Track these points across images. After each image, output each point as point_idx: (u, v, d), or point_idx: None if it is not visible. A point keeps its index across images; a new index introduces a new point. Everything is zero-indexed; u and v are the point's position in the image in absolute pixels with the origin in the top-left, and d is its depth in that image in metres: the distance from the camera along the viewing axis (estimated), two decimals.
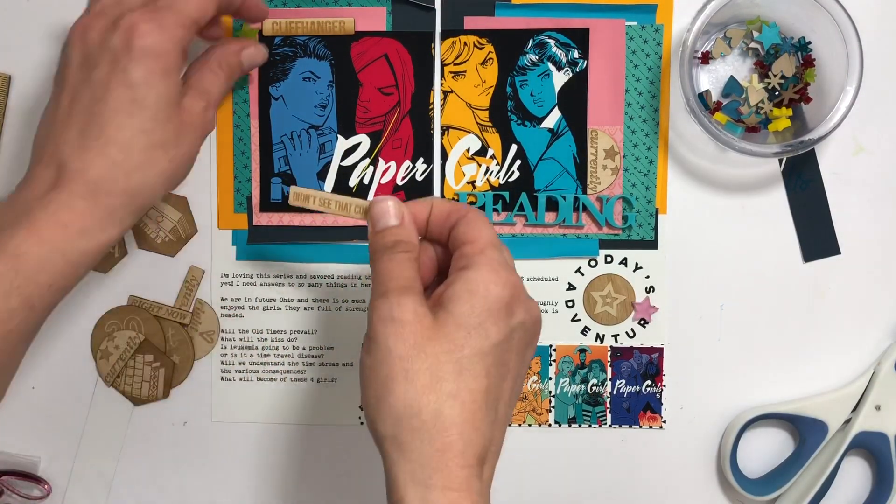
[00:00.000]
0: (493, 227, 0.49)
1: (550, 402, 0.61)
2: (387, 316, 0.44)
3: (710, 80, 0.59)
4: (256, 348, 0.62)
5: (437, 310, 0.45)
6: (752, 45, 0.58)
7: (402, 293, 0.44)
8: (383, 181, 0.60)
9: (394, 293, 0.44)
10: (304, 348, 0.62)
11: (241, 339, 0.62)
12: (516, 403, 0.48)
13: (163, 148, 0.48)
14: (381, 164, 0.60)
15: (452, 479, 0.42)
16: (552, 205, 0.60)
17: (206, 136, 0.52)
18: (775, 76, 0.57)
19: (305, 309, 0.61)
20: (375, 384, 0.44)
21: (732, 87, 0.58)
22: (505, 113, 0.60)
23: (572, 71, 0.60)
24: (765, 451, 0.62)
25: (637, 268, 0.61)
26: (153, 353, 0.61)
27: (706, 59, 0.58)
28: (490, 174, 0.60)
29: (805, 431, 0.60)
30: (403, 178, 0.60)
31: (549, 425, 0.61)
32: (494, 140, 0.60)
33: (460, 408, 0.43)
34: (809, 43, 0.57)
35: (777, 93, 0.58)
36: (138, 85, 0.47)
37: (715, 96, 0.59)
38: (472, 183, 0.60)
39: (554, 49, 0.59)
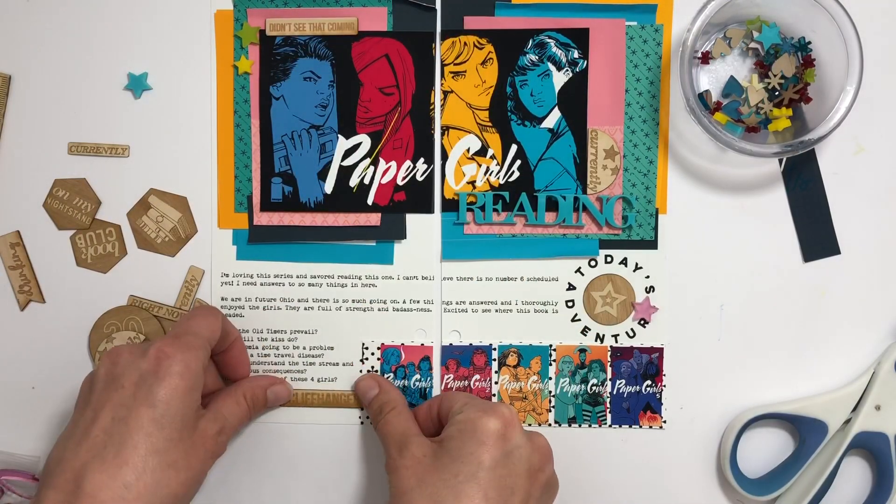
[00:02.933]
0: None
1: (550, 401, 0.61)
2: (392, 466, 0.53)
3: (709, 80, 0.59)
4: (257, 348, 0.62)
5: (438, 448, 0.53)
6: (752, 45, 0.58)
7: (402, 446, 0.54)
8: (384, 181, 0.60)
9: (394, 448, 0.54)
10: (304, 348, 0.62)
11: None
12: None
13: (174, 468, 0.50)
14: (382, 164, 0.60)
15: None
16: (552, 205, 0.60)
17: (215, 460, 0.54)
18: (775, 76, 0.58)
19: (306, 309, 0.61)
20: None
21: (732, 87, 0.58)
22: (505, 113, 0.60)
23: (572, 71, 0.60)
24: (765, 451, 0.62)
25: (637, 268, 0.61)
26: None
27: (706, 59, 0.58)
28: (490, 174, 0.60)
29: (805, 431, 0.60)
30: (404, 178, 0.60)
31: (549, 425, 0.61)
32: (494, 140, 0.60)
33: None
34: (809, 43, 0.57)
35: (777, 93, 0.58)
36: (160, 402, 0.50)
37: (715, 96, 0.59)
38: (472, 183, 0.60)
39: (554, 49, 0.59)
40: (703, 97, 0.58)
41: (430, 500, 0.50)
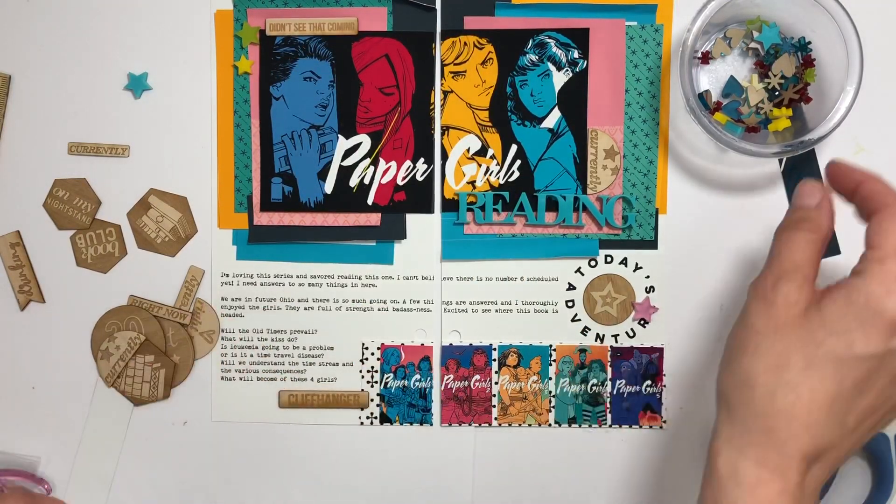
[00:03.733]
0: None
1: (550, 402, 0.61)
2: (760, 293, 0.46)
3: (709, 80, 0.59)
4: (257, 348, 0.62)
5: (812, 305, 0.45)
6: (752, 45, 0.58)
7: (782, 277, 0.45)
8: (384, 181, 0.60)
9: (774, 274, 0.46)
10: (304, 348, 0.62)
11: (241, 339, 0.62)
12: (872, 426, 0.46)
13: None
14: (382, 164, 0.60)
15: (767, 460, 0.43)
16: (552, 205, 0.60)
17: None
18: (775, 76, 0.58)
19: (306, 309, 0.61)
20: (731, 347, 0.46)
21: (732, 87, 0.58)
22: (505, 113, 0.60)
23: (572, 71, 0.60)
24: None
25: (637, 268, 0.61)
26: (153, 353, 0.61)
27: (706, 59, 0.58)
28: (490, 174, 0.60)
29: None
30: (404, 178, 0.60)
31: (550, 425, 0.61)
32: (494, 140, 0.60)
33: (794, 400, 0.43)
34: (809, 43, 0.57)
35: (777, 93, 0.58)
36: None
37: (715, 96, 0.59)
38: (472, 183, 0.60)
39: (554, 49, 0.59)
40: (703, 97, 0.58)
41: (777, 358, 0.44)
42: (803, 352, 0.43)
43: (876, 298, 0.43)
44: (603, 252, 0.61)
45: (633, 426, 0.61)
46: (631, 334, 0.61)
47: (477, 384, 0.61)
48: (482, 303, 0.61)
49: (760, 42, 0.58)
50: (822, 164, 0.60)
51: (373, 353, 0.61)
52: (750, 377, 0.44)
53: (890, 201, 0.45)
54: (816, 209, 0.48)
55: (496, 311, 0.61)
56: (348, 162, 0.60)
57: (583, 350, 0.61)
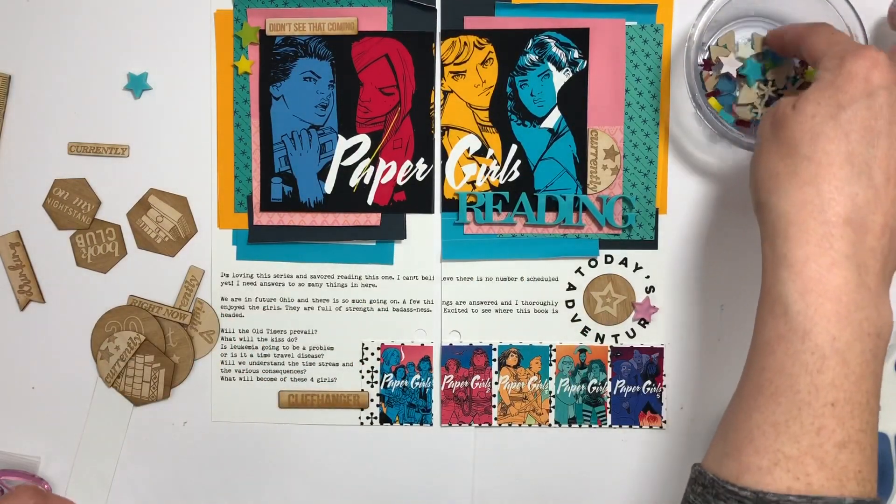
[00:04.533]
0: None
1: (551, 402, 0.61)
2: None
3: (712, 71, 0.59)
4: (256, 348, 0.62)
5: (800, 96, 0.47)
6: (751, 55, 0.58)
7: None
8: (384, 181, 0.60)
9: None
10: (304, 348, 0.62)
11: (241, 339, 0.62)
12: None
13: None
14: (382, 164, 0.60)
15: (809, 234, 0.44)
16: (552, 205, 0.60)
17: None
18: (767, 85, 0.57)
19: (305, 309, 0.61)
20: (754, 155, 0.49)
21: (726, 84, 0.58)
22: (505, 113, 0.60)
23: (572, 71, 0.60)
24: None
25: (637, 268, 0.61)
26: (153, 353, 0.61)
27: (708, 65, 0.58)
28: (490, 174, 0.60)
29: None
30: (404, 178, 0.60)
31: (550, 425, 0.61)
32: (494, 140, 0.60)
33: (816, 168, 0.44)
34: None
35: (772, 100, 0.58)
36: None
37: (712, 86, 0.59)
38: (472, 183, 0.60)
39: (554, 49, 0.59)
40: (702, 77, 0.58)
41: (785, 144, 0.46)
42: (804, 128, 0.45)
43: (837, 60, 0.46)
44: (603, 252, 0.61)
45: (633, 426, 0.61)
46: (631, 334, 0.61)
47: (477, 384, 0.61)
48: (482, 303, 0.61)
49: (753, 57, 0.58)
50: None
51: (373, 354, 0.61)
52: (767, 170, 0.47)
53: (814, 26, 0.51)
54: (849, 42, 0.50)
55: (496, 311, 0.61)
56: (348, 162, 0.60)
57: (583, 350, 0.61)
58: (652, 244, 0.60)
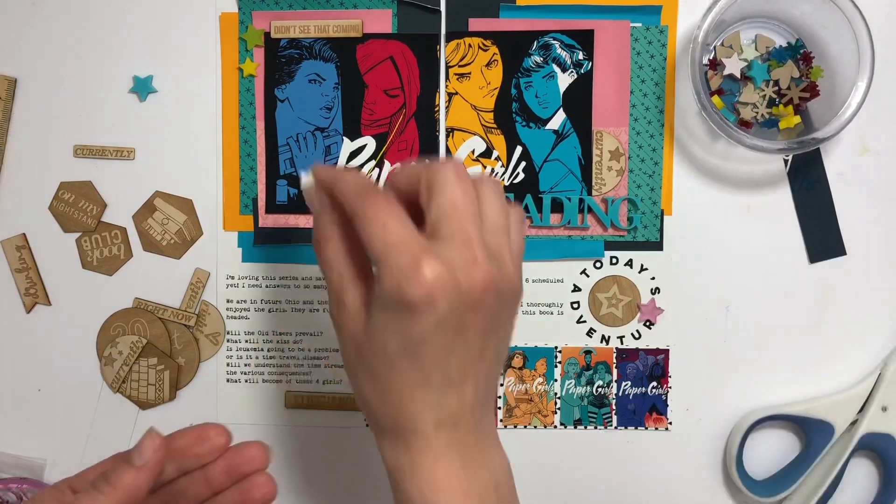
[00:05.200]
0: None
1: (556, 403, 0.61)
2: (334, 322, 0.47)
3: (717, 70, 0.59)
4: (262, 350, 0.62)
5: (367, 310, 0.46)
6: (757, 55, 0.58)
7: (337, 295, 0.47)
8: None
9: (331, 297, 0.47)
10: (309, 350, 0.62)
11: (246, 341, 0.62)
12: (477, 361, 0.45)
13: None
14: (387, 166, 0.60)
15: (410, 445, 0.45)
16: (557, 206, 0.60)
17: None
18: (770, 86, 0.57)
19: (311, 311, 0.61)
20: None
21: (729, 84, 0.58)
22: (510, 115, 0.60)
23: (577, 72, 0.60)
24: (771, 452, 0.61)
25: (642, 269, 0.61)
26: (157, 356, 0.61)
27: (713, 66, 0.58)
28: (495, 176, 0.60)
29: (811, 433, 0.60)
30: None
31: (555, 427, 0.61)
32: (499, 142, 0.60)
33: (398, 396, 0.45)
34: (799, 40, 0.57)
35: (777, 101, 0.58)
36: None
37: (716, 87, 0.59)
38: None
39: (559, 50, 0.59)
40: (706, 77, 0.58)
41: (368, 371, 0.45)
42: (379, 355, 0.44)
43: (394, 293, 0.42)
44: (608, 253, 0.61)
45: (639, 428, 0.61)
46: (636, 336, 0.61)
47: None
48: None
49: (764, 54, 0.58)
50: (829, 165, 0.60)
51: None
52: (362, 393, 0.46)
53: (356, 206, 0.44)
54: (320, 211, 0.47)
55: None
56: (353, 164, 0.60)
57: (588, 352, 0.61)
58: (657, 245, 0.60)
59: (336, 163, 0.60)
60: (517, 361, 0.61)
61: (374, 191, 0.44)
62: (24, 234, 0.61)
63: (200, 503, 0.48)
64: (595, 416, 0.61)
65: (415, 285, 0.41)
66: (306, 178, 0.47)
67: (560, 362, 0.61)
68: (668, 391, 0.61)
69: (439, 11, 0.59)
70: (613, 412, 0.61)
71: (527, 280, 0.61)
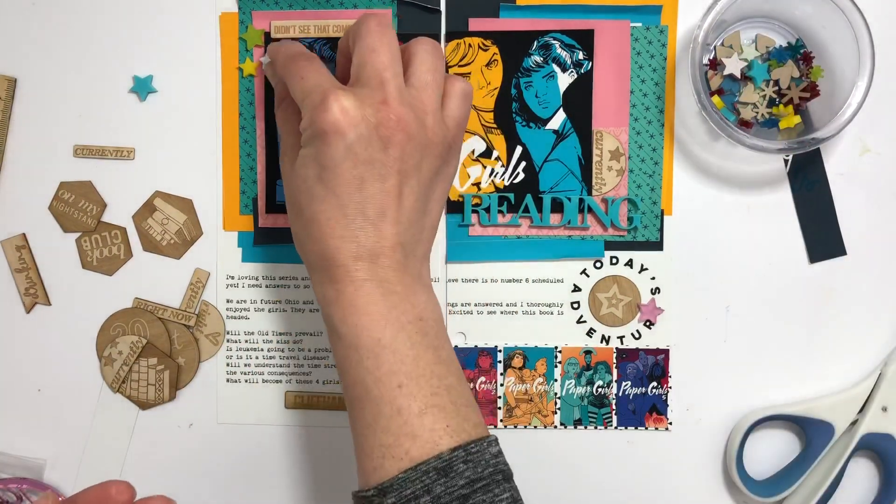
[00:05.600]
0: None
1: (556, 403, 0.61)
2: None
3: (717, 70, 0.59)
4: (262, 350, 0.62)
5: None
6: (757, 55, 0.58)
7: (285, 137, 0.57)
8: None
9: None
10: (309, 350, 0.62)
11: (246, 341, 0.62)
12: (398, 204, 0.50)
13: None
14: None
15: (333, 275, 0.50)
16: (557, 206, 0.60)
17: None
18: (769, 86, 0.57)
19: (311, 311, 0.61)
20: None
21: (730, 83, 0.58)
22: (510, 114, 0.60)
23: (577, 72, 0.60)
24: (771, 452, 0.61)
25: (643, 269, 0.61)
26: (157, 356, 0.61)
27: (714, 66, 0.58)
28: (495, 176, 0.60)
29: (811, 433, 0.60)
30: None
31: (555, 427, 0.61)
32: (499, 142, 0.60)
33: (318, 227, 0.50)
34: (799, 40, 0.57)
35: (777, 101, 0.58)
36: None
37: (716, 87, 0.59)
38: (477, 184, 0.60)
39: (559, 50, 0.59)
40: (707, 77, 0.58)
41: (292, 203, 0.51)
42: (301, 189, 0.50)
43: (308, 123, 0.49)
44: (608, 253, 0.61)
45: (639, 428, 0.61)
46: (636, 336, 0.61)
47: (482, 386, 0.61)
48: (487, 304, 0.61)
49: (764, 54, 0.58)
50: (829, 165, 0.60)
51: None
52: (295, 231, 0.52)
53: (285, 65, 0.53)
54: (277, 84, 0.58)
55: (501, 312, 0.61)
56: None
57: (588, 352, 0.61)
58: (657, 245, 0.60)
59: None
60: (517, 361, 0.61)
61: (299, 55, 0.53)
62: (24, 234, 0.61)
63: None
64: (595, 416, 0.61)
65: (323, 116, 0.48)
66: (265, 59, 0.57)
67: (560, 362, 0.61)
68: (668, 391, 0.61)
69: (439, 11, 0.59)
70: (613, 412, 0.61)
71: (527, 280, 0.61)
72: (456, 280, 0.61)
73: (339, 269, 0.49)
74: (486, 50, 0.60)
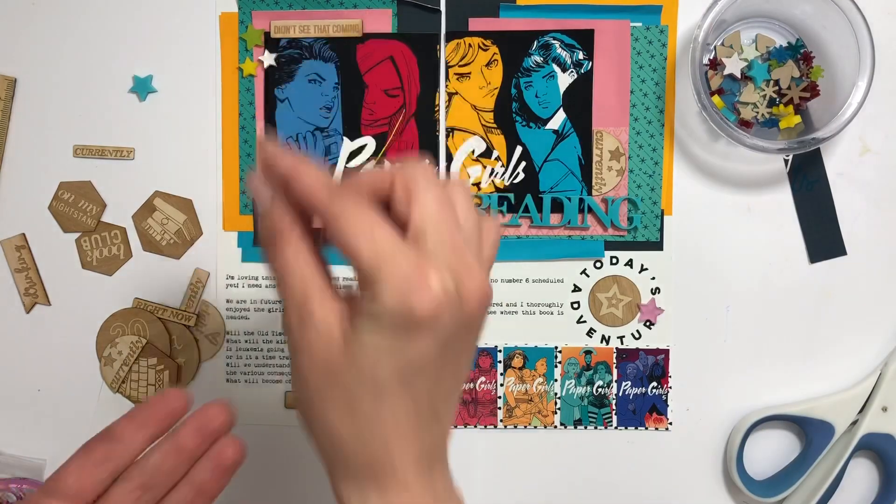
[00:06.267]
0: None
1: (556, 403, 0.61)
2: (291, 341, 0.41)
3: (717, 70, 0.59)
4: (262, 350, 0.62)
5: (348, 329, 0.39)
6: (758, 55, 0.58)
7: (301, 310, 0.40)
8: None
9: (290, 310, 0.41)
10: None
11: (246, 342, 0.62)
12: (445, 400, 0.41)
13: None
14: (387, 166, 0.60)
15: (387, 486, 0.41)
16: (557, 206, 0.60)
17: None
18: (769, 86, 0.57)
19: None
20: (298, 401, 0.43)
21: (730, 83, 0.58)
22: (510, 114, 0.60)
23: (577, 72, 0.60)
24: (771, 452, 0.61)
25: (643, 269, 0.61)
26: (157, 356, 0.61)
27: (714, 66, 0.58)
28: (495, 176, 0.60)
29: (811, 433, 0.60)
30: None
31: (555, 427, 0.61)
32: (499, 142, 0.60)
33: (380, 430, 0.40)
34: (799, 40, 0.57)
35: (777, 101, 0.58)
36: None
37: (716, 87, 0.59)
38: (478, 184, 0.60)
39: (559, 50, 0.59)
40: (707, 77, 0.58)
41: (344, 400, 0.38)
42: (365, 384, 0.38)
43: (394, 309, 0.36)
44: (608, 253, 0.61)
45: (639, 428, 0.61)
46: (636, 336, 0.61)
47: (482, 386, 0.61)
48: None
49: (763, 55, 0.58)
50: (829, 165, 0.60)
51: None
52: (331, 428, 0.39)
53: (336, 212, 0.38)
54: (270, 209, 0.40)
55: (501, 312, 0.61)
56: (353, 164, 0.60)
57: (588, 352, 0.61)
58: (657, 245, 0.60)
59: (336, 163, 0.60)
60: (517, 361, 0.61)
61: (346, 192, 0.38)
62: (23, 234, 0.61)
63: (178, 481, 0.45)
64: (595, 416, 0.61)
65: (423, 298, 0.36)
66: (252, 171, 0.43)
67: (560, 362, 0.61)
68: (668, 391, 0.61)
69: (439, 11, 0.59)
70: (613, 412, 0.61)
71: (527, 280, 0.61)
72: None
73: (394, 479, 0.39)
74: (486, 50, 0.60)
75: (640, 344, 0.61)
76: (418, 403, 0.39)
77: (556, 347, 0.61)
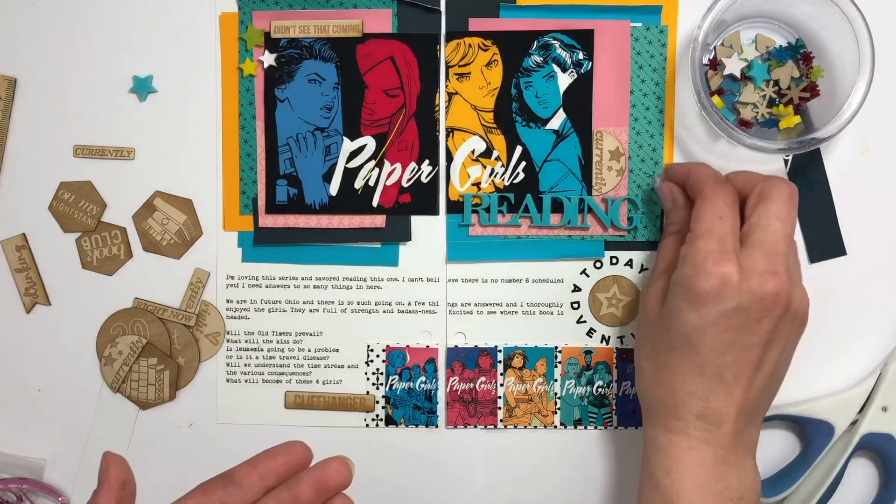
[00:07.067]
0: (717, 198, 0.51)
1: (556, 403, 0.61)
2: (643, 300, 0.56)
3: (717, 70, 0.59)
4: (262, 350, 0.62)
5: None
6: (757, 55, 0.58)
7: (652, 283, 0.55)
8: (389, 183, 0.60)
9: (652, 280, 0.56)
10: (309, 350, 0.62)
11: (246, 341, 0.62)
12: (752, 374, 0.50)
13: None
14: (387, 166, 0.60)
15: (671, 426, 0.51)
16: (557, 206, 0.60)
17: None
18: (769, 86, 0.57)
19: (311, 311, 0.61)
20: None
21: (730, 83, 0.58)
22: (510, 114, 0.60)
23: (577, 72, 0.60)
24: (771, 452, 0.61)
25: (643, 269, 0.61)
26: (157, 356, 0.61)
27: (713, 66, 0.58)
28: (495, 176, 0.60)
29: (811, 433, 0.60)
30: (409, 179, 0.60)
31: (555, 427, 0.61)
32: (499, 142, 0.60)
33: (669, 376, 0.52)
34: (799, 40, 0.57)
35: (777, 101, 0.58)
36: None
37: (716, 87, 0.59)
38: (477, 184, 0.60)
39: (559, 50, 0.59)
40: (706, 78, 0.58)
41: (650, 347, 0.53)
42: (663, 338, 0.51)
43: (688, 279, 0.49)
44: (608, 253, 0.61)
45: (639, 428, 0.61)
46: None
47: (482, 386, 0.61)
48: (487, 304, 0.61)
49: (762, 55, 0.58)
50: (829, 165, 0.59)
51: (378, 356, 0.61)
52: (639, 365, 0.54)
53: (706, 190, 0.52)
54: (673, 208, 0.55)
55: (501, 312, 0.61)
56: (353, 164, 0.60)
57: (588, 352, 0.61)
58: (657, 245, 0.60)
59: (336, 163, 0.60)
60: (517, 361, 0.61)
61: (724, 183, 0.52)
62: (23, 234, 0.61)
63: None
64: (595, 416, 0.61)
65: (703, 279, 0.48)
66: (659, 179, 0.57)
67: (560, 362, 0.61)
68: None
69: (439, 11, 0.59)
70: (614, 412, 0.61)
71: (527, 280, 0.61)
72: (456, 280, 0.61)
73: (678, 422, 0.50)
74: (486, 50, 0.60)
75: None
76: (702, 363, 0.49)
77: (556, 347, 0.61)
